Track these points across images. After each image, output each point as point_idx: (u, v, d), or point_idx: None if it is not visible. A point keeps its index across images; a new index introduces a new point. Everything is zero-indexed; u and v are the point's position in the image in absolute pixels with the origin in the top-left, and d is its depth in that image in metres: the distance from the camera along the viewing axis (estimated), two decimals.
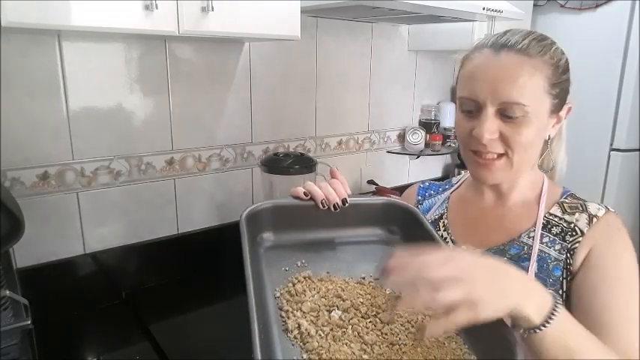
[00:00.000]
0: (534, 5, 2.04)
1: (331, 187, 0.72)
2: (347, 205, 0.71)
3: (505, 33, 0.77)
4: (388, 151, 1.95)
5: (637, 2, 1.79)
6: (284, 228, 0.73)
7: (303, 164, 1.36)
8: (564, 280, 0.75)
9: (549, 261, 0.76)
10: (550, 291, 0.58)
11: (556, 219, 0.80)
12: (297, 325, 0.58)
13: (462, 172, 0.87)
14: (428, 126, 2.00)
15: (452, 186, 0.96)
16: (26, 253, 1.15)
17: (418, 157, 2.00)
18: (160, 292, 1.35)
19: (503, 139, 0.74)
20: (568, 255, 0.76)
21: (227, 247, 1.50)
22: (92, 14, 0.87)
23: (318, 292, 0.63)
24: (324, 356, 0.54)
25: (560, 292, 0.74)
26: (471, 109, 0.76)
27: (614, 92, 1.88)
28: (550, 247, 0.78)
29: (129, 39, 1.23)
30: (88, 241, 1.26)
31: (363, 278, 0.68)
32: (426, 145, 1.99)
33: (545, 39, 0.77)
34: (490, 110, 0.73)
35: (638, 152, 1.94)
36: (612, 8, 1.86)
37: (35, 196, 1.16)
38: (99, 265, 1.28)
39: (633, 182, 1.97)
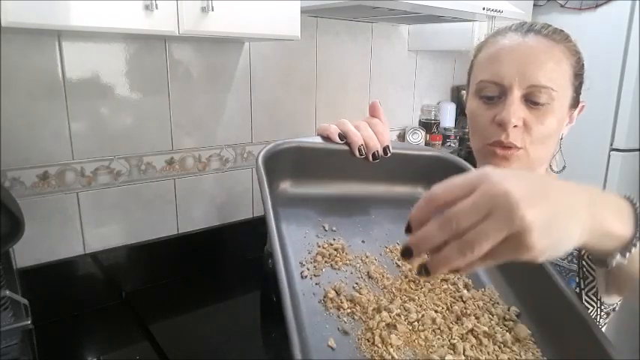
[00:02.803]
0: (534, 5, 2.04)
1: (371, 129, 0.59)
2: (389, 154, 0.58)
3: (525, 22, 0.74)
4: None
5: (637, 2, 1.79)
6: (306, 177, 0.59)
7: None
8: (582, 292, 0.69)
9: (564, 274, 0.71)
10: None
11: None
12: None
13: None
14: (428, 126, 2.00)
15: None
16: (26, 253, 1.15)
17: None
18: (160, 292, 1.34)
19: (526, 127, 0.69)
20: (583, 263, 0.69)
21: (227, 247, 1.51)
22: (92, 14, 0.87)
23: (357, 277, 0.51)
24: None
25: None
26: (493, 95, 0.70)
27: (614, 92, 1.88)
28: (563, 259, 0.72)
29: (129, 39, 1.23)
30: (88, 241, 1.26)
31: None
32: (426, 145, 1.99)
33: (563, 30, 0.74)
34: (516, 94, 0.68)
35: (638, 152, 1.93)
36: (612, 8, 1.85)
37: (35, 196, 1.16)
38: (99, 265, 1.28)
39: (633, 182, 1.97)
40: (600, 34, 1.89)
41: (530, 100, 0.68)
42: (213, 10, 1.00)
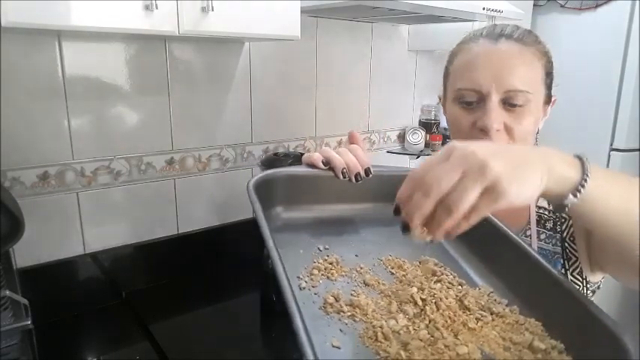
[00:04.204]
0: (534, 5, 2.04)
1: (352, 154, 0.63)
2: (370, 175, 0.62)
3: (495, 25, 0.77)
4: (388, 151, 1.95)
5: (637, 2, 1.79)
6: (296, 202, 0.63)
7: None
8: (567, 272, 0.75)
9: (550, 257, 0.76)
10: None
11: (546, 212, 0.79)
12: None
13: None
14: (428, 126, 2.00)
15: None
16: (26, 253, 1.15)
17: (418, 157, 2.00)
18: (160, 292, 1.34)
19: (507, 129, 0.72)
20: (566, 245, 0.75)
21: (227, 247, 1.51)
22: (92, 14, 0.87)
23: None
24: None
25: None
26: (472, 101, 0.73)
27: (614, 92, 1.88)
28: (548, 243, 0.77)
29: (129, 39, 1.23)
30: (88, 241, 1.26)
31: (403, 261, 0.59)
32: (426, 145, 1.99)
33: (532, 31, 0.78)
34: (495, 99, 0.71)
35: (638, 152, 1.93)
36: (612, 8, 1.85)
37: (35, 196, 1.16)
38: (99, 265, 1.28)
39: None
40: (600, 34, 1.89)
41: (508, 104, 0.72)
42: (213, 10, 0.99)
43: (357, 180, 0.62)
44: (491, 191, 0.41)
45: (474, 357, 0.44)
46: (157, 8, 0.93)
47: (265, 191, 0.57)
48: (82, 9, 0.86)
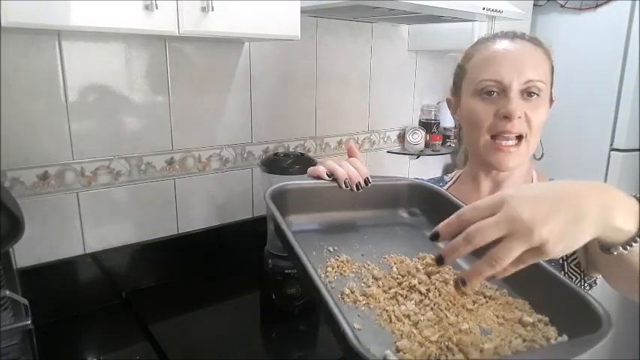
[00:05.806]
0: (534, 5, 2.04)
1: (352, 166, 0.70)
2: (370, 184, 0.69)
3: (507, 31, 0.85)
4: (388, 151, 1.95)
5: (637, 2, 1.78)
6: (305, 210, 0.70)
7: (303, 164, 1.36)
8: (565, 262, 0.79)
9: None
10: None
11: None
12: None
13: (456, 169, 0.88)
14: (428, 126, 2.00)
15: (445, 183, 0.98)
16: (26, 253, 1.15)
17: (418, 157, 2.00)
18: (160, 292, 1.35)
19: (527, 118, 0.78)
20: None
21: (227, 247, 1.51)
22: (92, 14, 0.87)
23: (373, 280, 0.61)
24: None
25: (562, 273, 0.77)
26: (494, 91, 0.79)
27: (614, 92, 1.88)
28: None
29: (129, 39, 1.23)
30: (88, 241, 1.26)
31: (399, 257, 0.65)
32: (426, 145, 1.99)
33: (537, 37, 0.86)
34: (516, 89, 0.77)
35: (638, 152, 1.93)
36: (612, 8, 1.85)
37: (35, 196, 1.16)
38: (99, 265, 1.28)
39: (633, 182, 1.97)
40: (600, 34, 1.89)
41: (527, 93, 0.79)
42: (213, 10, 1.00)
43: (357, 189, 0.68)
44: (535, 250, 0.43)
45: (474, 331, 0.50)
46: (156, 8, 0.93)
47: (278, 202, 0.64)
48: (82, 9, 0.86)
